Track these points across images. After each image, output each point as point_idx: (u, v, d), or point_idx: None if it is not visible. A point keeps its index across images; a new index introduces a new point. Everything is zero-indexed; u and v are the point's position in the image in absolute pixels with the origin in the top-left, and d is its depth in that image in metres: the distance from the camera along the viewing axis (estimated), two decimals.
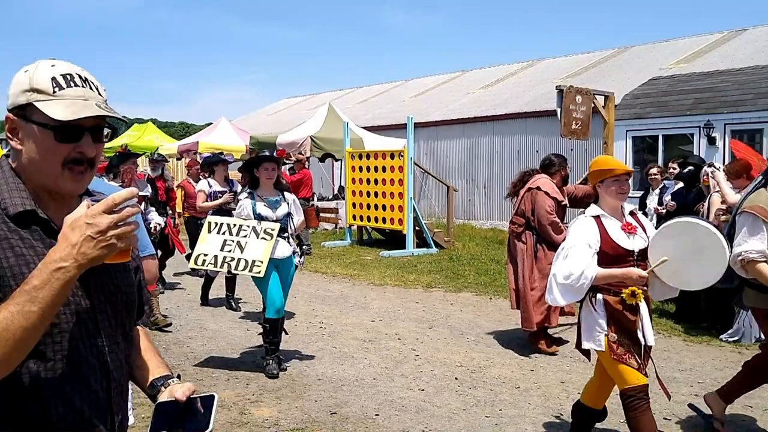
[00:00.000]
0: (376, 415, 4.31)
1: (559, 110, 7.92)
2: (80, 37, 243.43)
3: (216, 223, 5.17)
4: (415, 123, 12.81)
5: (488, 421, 4.24)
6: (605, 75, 17.06)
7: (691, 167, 7.27)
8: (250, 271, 4.94)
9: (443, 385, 4.94)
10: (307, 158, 12.87)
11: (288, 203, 5.27)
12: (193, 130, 35.72)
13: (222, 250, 5.04)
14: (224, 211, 6.86)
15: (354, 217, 13.00)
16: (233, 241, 5.04)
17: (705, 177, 6.63)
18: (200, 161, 9.69)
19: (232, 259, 4.99)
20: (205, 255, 5.06)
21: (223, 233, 5.09)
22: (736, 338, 6.13)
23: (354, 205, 12.88)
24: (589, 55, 20.92)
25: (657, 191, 8.20)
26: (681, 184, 7.47)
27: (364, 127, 15.51)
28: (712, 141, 11.48)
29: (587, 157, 14.28)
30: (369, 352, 5.79)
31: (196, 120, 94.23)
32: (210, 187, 7.41)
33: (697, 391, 4.84)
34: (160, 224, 6.90)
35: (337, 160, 15.33)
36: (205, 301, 7.74)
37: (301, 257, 5.46)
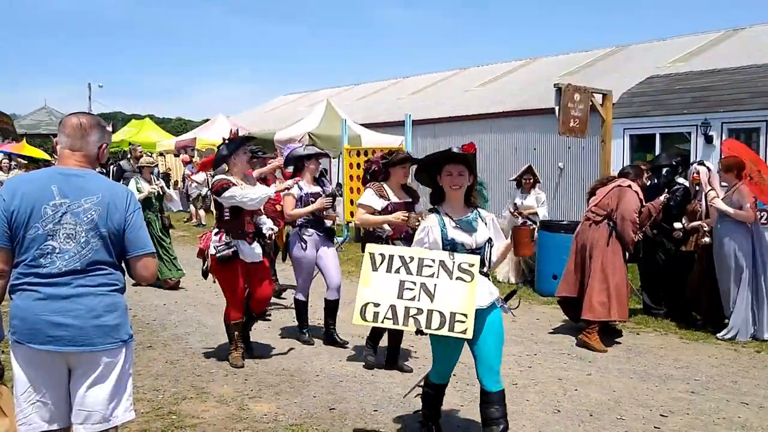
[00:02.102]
0: (375, 411, 4.33)
1: (557, 108, 7.96)
2: (77, 33, 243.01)
3: (382, 256, 3.59)
4: (413, 120, 12.83)
5: None
6: (603, 73, 17.06)
7: (667, 168, 7.25)
8: (451, 330, 3.33)
9: None
10: None
11: (486, 223, 3.65)
12: (191, 126, 35.57)
13: (401, 297, 3.44)
14: (318, 218, 5.98)
15: (351, 214, 13.00)
16: (415, 282, 3.45)
17: (695, 175, 6.65)
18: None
19: (419, 311, 3.39)
20: (377, 306, 3.46)
21: (397, 271, 3.51)
22: (731, 336, 6.17)
23: (352, 201, 12.87)
24: (586, 54, 20.91)
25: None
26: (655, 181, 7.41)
27: (363, 124, 15.48)
28: (709, 139, 11.50)
29: (585, 156, 14.31)
30: None
31: (194, 116, 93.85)
32: (300, 189, 5.92)
33: (694, 388, 4.87)
34: (273, 229, 5.71)
35: (332, 158, 15.31)
36: (303, 329, 6.31)
37: (507, 302, 3.71)
